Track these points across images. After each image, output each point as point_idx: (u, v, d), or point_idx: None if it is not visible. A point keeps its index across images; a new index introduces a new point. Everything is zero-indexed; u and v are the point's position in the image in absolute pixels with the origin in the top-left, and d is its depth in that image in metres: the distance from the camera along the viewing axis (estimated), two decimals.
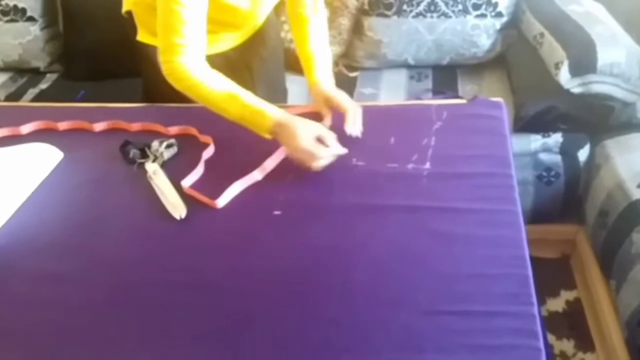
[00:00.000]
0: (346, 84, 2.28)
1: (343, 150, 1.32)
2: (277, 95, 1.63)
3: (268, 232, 1.20)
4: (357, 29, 2.30)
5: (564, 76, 1.85)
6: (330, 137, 1.31)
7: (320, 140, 1.29)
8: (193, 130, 1.49)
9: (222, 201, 1.27)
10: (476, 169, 1.30)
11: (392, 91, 2.21)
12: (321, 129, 1.31)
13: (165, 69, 1.35)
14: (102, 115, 1.58)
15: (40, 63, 2.52)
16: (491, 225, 1.16)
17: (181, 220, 1.23)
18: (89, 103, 1.75)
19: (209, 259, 1.16)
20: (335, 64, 2.34)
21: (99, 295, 1.11)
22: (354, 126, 1.40)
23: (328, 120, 1.45)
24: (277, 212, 1.23)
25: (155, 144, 1.42)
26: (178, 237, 1.21)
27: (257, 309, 1.04)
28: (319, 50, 1.54)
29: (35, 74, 2.53)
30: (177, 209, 1.25)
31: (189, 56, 1.32)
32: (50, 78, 2.51)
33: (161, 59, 1.35)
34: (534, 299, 1.01)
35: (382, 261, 1.11)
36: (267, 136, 1.32)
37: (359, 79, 2.30)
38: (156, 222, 1.24)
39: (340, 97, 1.45)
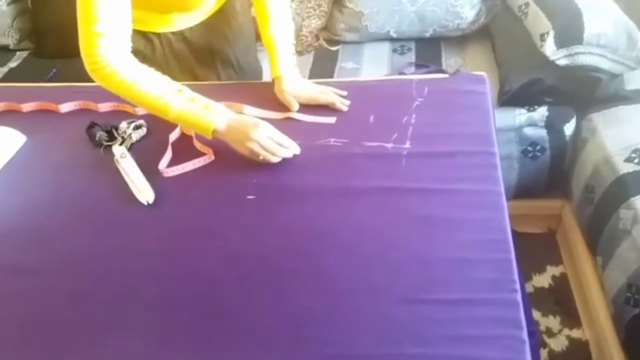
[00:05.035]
0: (327, 58, 2.23)
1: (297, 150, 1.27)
2: (245, 76, 1.54)
3: (241, 217, 1.16)
4: (337, 0, 2.24)
5: (549, 47, 1.81)
6: (286, 140, 1.25)
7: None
8: None
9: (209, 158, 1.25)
10: (458, 147, 1.26)
11: (374, 65, 2.16)
12: (276, 133, 1.25)
13: (87, 64, 1.21)
14: (71, 95, 1.52)
15: (9, 40, 2.45)
16: (473, 207, 1.12)
17: (149, 205, 1.19)
18: (58, 83, 1.69)
19: (177, 245, 1.12)
20: (316, 37, 2.29)
21: (62, 285, 1.07)
22: (342, 105, 1.38)
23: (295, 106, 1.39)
24: (250, 197, 1.19)
25: (123, 125, 1.37)
26: (145, 224, 1.17)
27: (229, 296, 1.02)
28: (279, 31, 1.43)
29: (5, 52, 2.45)
30: (145, 194, 1.20)
31: (112, 50, 1.20)
32: (20, 56, 2.44)
33: (82, 53, 1.21)
34: (517, 285, 0.98)
35: (359, 246, 1.08)
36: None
37: (341, 53, 2.25)
38: (122, 208, 1.21)
39: (307, 92, 1.39)
